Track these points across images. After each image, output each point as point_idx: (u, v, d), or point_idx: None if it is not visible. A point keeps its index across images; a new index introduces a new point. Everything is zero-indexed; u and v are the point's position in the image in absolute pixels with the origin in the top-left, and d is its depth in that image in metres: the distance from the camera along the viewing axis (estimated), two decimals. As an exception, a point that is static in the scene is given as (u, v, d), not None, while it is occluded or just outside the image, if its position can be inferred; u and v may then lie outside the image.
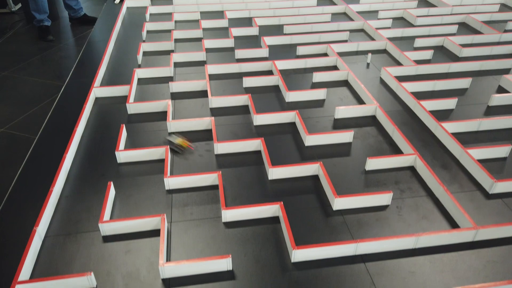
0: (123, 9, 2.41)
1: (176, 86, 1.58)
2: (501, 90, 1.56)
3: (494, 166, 1.17)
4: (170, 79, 1.69)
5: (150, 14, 2.39)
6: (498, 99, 1.44)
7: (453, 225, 0.99)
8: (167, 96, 1.56)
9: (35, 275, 0.88)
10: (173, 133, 1.25)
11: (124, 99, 1.54)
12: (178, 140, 1.17)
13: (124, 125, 1.32)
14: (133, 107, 1.45)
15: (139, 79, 1.69)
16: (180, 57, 1.82)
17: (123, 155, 1.20)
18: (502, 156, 1.21)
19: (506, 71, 1.69)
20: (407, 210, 1.04)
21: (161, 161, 1.21)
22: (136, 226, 0.97)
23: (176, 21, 2.28)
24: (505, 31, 2.07)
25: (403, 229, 0.98)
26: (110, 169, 1.19)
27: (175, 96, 1.56)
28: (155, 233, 0.98)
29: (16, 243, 0.94)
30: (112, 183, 1.08)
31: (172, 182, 1.10)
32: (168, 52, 1.90)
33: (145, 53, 1.91)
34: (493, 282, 0.82)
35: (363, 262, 0.90)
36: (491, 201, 1.06)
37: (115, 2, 2.60)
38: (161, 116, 1.43)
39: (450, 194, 1.02)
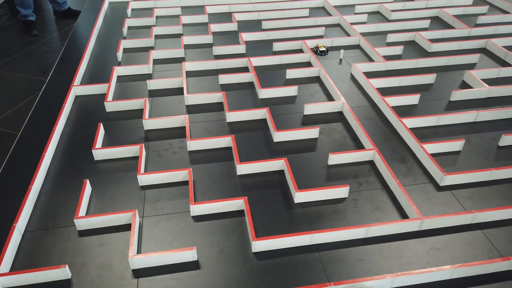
0: (105, 4, 2.43)
1: (154, 84, 1.64)
2: (464, 85, 1.64)
3: (448, 160, 1.26)
4: (149, 76, 1.74)
5: (132, 9, 2.42)
6: (458, 95, 1.52)
7: (403, 215, 1.07)
8: (145, 94, 1.62)
9: (15, 268, 0.95)
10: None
11: (103, 97, 1.59)
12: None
13: (101, 123, 1.38)
14: (111, 105, 1.50)
15: (118, 77, 1.74)
16: (159, 54, 1.88)
17: (100, 153, 1.27)
18: (456, 150, 1.29)
19: (471, 66, 1.76)
20: (362, 202, 1.12)
21: (136, 158, 1.28)
22: (109, 221, 1.04)
23: (157, 17, 2.32)
24: (476, 25, 2.14)
25: (357, 220, 1.07)
26: (88, 166, 1.25)
27: (152, 93, 1.62)
28: (128, 227, 1.05)
29: (-3, 238, 1.01)
30: (88, 180, 1.15)
31: (145, 178, 1.17)
32: (148, 49, 1.95)
33: (126, 50, 1.96)
34: (432, 268, 0.91)
35: (317, 251, 0.98)
36: (441, 192, 1.14)
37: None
38: (138, 113, 1.49)
39: (401, 186, 1.10)
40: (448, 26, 2.15)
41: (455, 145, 1.27)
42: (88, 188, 1.14)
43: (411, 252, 0.98)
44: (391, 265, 0.95)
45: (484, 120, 1.42)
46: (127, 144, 1.30)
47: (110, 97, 1.56)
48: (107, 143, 1.35)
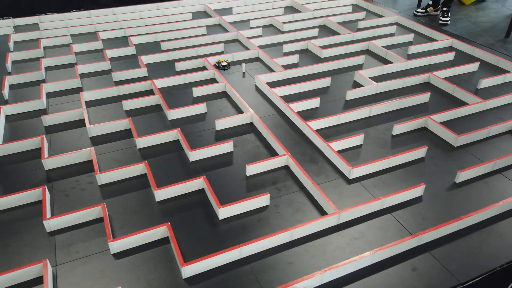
0: (-20, 39, 2.19)
1: (50, 119, 1.51)
2: (356, 84, 1.80)
3: (352, 154, 1.36)
4: (43, 112, 1.60)
5: (14, 42, 2.22)
6: (352, 94, 1.67)
7: (322, 212, 1.13)
8: (41, 131, 1.48)
9: None
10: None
11: (-10, 141, 1.42)
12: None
13: (-8, 171, 1.23)
14: (1, 149, 1.35)
15: (7, 117, 1.57)
16: (52, 86, 1.74)
17: (-6, 204, 1.12)
18: (358, 144, 1.40)
19: (359, 67, 1.94)
20: (283, 206, 1.15)
21: (40, 203, 1.16)
22: (16, 278, 0.93)
23: (44, 47, 2.15)
24: (358, 29, 2.38)
25: (281, 225, 1.10)
26: (-19, 222, 1.10)
27: (50, 129, 1.49)
28: (40, 280, 0.94)
29: None
30: (-17, 237, 1.01)
31: (52, 223, 1.07)
32: (38, 83, 1.80)
33: (12, 86, 1.78)
34: (355, 257, 0.97)
35: (248, 264, 0.99)
36: (351, 185, 1.23)
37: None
38: (36, 153, 1.36)
39: (316, 185, 1.17)
40: (334, 33, 2.34)
41: (357, 139, 1.39)
42: (-16, 247, 1.00)
43: (334, 246, 1.04)
44: (318, 262, 0.99)
45: (377, 113, 1.57)
46: (26, 189, 1.17)
47: (-1, 140, 1.40)
48: (3, 191, 1.20)
